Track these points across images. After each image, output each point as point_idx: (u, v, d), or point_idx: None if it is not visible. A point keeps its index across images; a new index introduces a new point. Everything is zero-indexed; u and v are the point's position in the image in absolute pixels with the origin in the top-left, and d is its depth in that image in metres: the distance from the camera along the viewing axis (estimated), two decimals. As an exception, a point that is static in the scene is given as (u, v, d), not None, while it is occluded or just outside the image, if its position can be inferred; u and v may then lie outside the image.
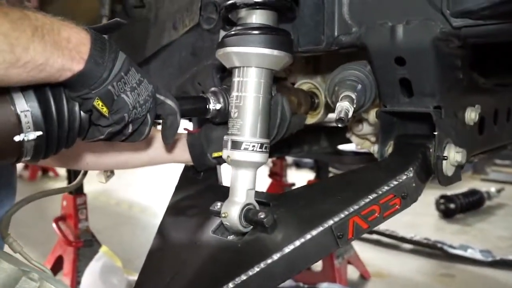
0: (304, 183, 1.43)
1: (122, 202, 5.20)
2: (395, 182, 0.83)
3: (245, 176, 0.90)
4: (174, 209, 1.12)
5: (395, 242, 3.76)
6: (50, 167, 5.87)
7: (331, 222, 0.81)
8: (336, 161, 1.89)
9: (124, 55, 0.73)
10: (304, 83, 1.30)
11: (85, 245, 2.71)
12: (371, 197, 0.82)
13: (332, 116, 1.15)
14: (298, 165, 6.13)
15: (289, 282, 2.80)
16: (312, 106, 1.26)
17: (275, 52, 0.88)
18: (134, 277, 2.63)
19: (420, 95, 0.89)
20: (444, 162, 0.89)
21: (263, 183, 3.59)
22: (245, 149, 0.89)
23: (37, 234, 3.78)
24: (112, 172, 1.18)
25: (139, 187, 5.74)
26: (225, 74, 1.14)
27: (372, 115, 1.12)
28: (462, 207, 4.48)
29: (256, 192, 0.92)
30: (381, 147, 0.97)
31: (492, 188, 4.98)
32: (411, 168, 0.85)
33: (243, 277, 0.79)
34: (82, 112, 0.73)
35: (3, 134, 0.64)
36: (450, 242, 3.63)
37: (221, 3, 1.06)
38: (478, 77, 1.05)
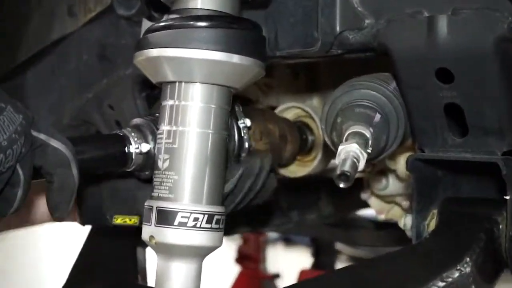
0: (295, 273, 1.44)
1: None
2: (441, 284, 0.83)
3: (181, 272, 0.90)
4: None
5: None
6: None
7: None
8: (345, 239, 1.89)
9: None
10: (289, 109, 1.31)
11: None
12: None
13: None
14: (287, 240, 6.12)
15: None
16: (303, 147, 1.27)
17: (235, 58, 0.88)
18: None
19: (479, 132, 0.90)
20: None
21: (228, 272, 3.57)
22: (182, 224, 0.88)
23: None
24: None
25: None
26: (156, 92, 1.15)
27: (402, 165, 1.13)
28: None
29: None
30: (416, 220, 0.96)
31: None
32: (468, 259, 0.84)
33: None
34: None
35: None
36: None
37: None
38: None
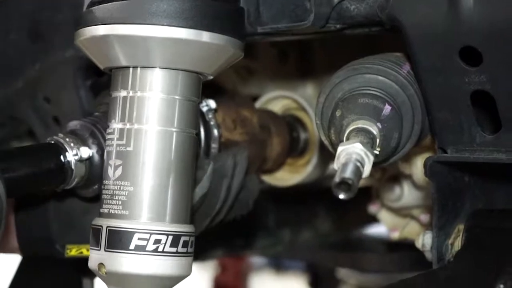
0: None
1: None
2: (469, 320, 0.84)
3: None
4: None
5: None
6: None
7: None
8: (349, 263, 1.90)
9: None
10: (276, 99, 1.33)
11: None
12: None
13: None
14: (277, 266, 6.14)
15: None
16: (295, 147, 1.29)
17: (205, 36, 0.89)
18: None
19: None
20: None
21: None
22: (139, 248, 0.89)
23: None
24: None
25: None
26: (104, 79, 1.16)
27: (419, 169, 1.14)
28: None
29: None
30: (438, 238, 0.97)
31: None
32: (502, 286, 0.85)
33: None
34: None
35: None
36: None
37: None
38: None
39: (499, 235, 0.94)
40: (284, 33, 1.02)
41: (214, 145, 1.09)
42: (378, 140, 0.90)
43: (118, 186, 0.90)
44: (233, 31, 0.91)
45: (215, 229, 1.11)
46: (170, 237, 0.89)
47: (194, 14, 0.88)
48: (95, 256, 0.91)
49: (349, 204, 1.63)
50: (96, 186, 0.99)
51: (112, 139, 0.92)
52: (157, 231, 0.89)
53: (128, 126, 0.91)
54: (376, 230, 1.78)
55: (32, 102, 1.23)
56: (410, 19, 0.90)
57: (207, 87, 1.02)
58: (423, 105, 0.95)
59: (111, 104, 0.93)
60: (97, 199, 0.98)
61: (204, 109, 1.10)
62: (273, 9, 1.00)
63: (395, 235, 1.37)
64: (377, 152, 0.89)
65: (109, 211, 0.90)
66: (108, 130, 0.93)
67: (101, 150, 0.99)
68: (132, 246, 0.88)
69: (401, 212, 1.33)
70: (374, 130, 0.90)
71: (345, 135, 0.90)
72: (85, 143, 0.97)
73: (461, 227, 0.97)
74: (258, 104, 1.33)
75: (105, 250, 0.89)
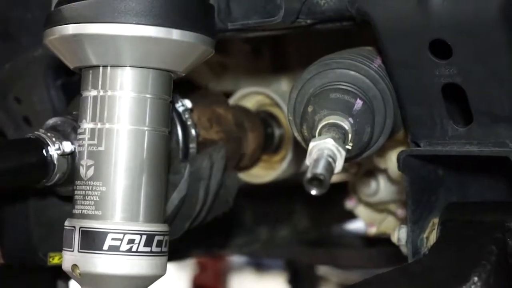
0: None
1: None
2: (442, 311, 0.84)
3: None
4: None
5: None
6: None
7: None
8: (328, 260, 1.89)
9: None
10: (250, 95, 1.34)
11: None
12: None
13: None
14: (258, 265, 6.11)
15: None
16: (269, 144, 1.30)
17: (175, 33, 0.90)
18: None
19: (486, 118, 0.91)
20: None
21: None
22: (113, 248, 0.89)
23: None
24: None
25: None
26: (75, 79, 1.13)
27: (394, 163, 1.11)
28: None
29: None
30: (413, 232, 0.98)
31: None
32: (476, 278, 0.85)
33: None
34: None
35: None
36: None
37: None
38: None
39: (473, 228, 0.94)
40: (255, 29, 1.03)
41: (192, 145, 1.09)
42: (350, 135, 0.90)
43: (90, 187, 0.90)
44: (203, 28, 0.91)
45: (193, 228, 1.12)
46: (144, 237, 0.90)
47: (163, 11, 0.88)
48: (69, 258, 0.91)
49: (326, 200, 1.65)
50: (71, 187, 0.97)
51: (83, 139, 0.92)
52: (131, 231, 0.89)
53: (99, 125, 0.91)
54: (354, 225, 1.78)
55: (2, 103, 1.22)
56: (380, 13, 0.90)
57: (180, 84, 1.03)
58: (395, 99, 0.96)
59: (81, 103, 0.93)
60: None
61: (180, 109, 1.10)
62: (243, 5, 1.00)
63: (373, 231, 1.37)
64: (349, 147, 0.89)
65: (81, 211, 0.91)
66: (79, 130, 0.93)
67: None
68: (105, 247, 0.88)
69: (378, 207, 1.33)
70: (346, 125, 0.90)
71: (317, 130, 0.90)
72: (67, 138, 0.97)
73: (436, 220, 0.98)
74: (232, 100, 1.33)
75: (78, 251, 0.89)
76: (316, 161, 0.82)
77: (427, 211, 0.98)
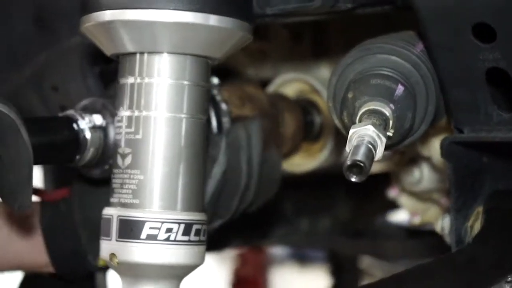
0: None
1: None
2: (487, 303, 0.85)
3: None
4: None
5: None
6: None
7: None
8: (371, 251, 1.89)
9: None
10: (289, 82, 1.34)
11: None
12: None
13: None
14: (300, 258, 6.10)
15: None
16: (309, 132, 1.30)
17: (213, 19, 0.90)
18: None
19: None
20: None
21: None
22: (151, 237, 0.90)
23: None
24: None
25: None
26: (113, 66, 1.15)
27: (437, 150, 1.10)
28: None
29: None
30: (456, 221, 0.97)
31: None
32: None
33: None
34: None
35: None
36: None
37: None
38: None
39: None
40: (294, 14, 1.02)
41: (225, 119, 1.09)
42: (391, 122, 0.90)
43: (128, 175, 0.91)
44: (241, 13, 0.91)
45: (246, 212, 1.12)
46: (182, 226, 0.90)
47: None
48: (107, 247, 0.92)
49: (368, 190, 1.64)
50: (107, 166, 0.99)
51: (120, 127, 0.93)
52: (169, 220, 0.90)
53: (136, 113, 0.92)
54: (397, 216, 1.77)
55: (39, 92, 1.23)
56: (421, -4, 0.90)
57: (218, 72, 1.04)
58: (437, 84, 0.95)
59: (118, 91, 0.94)
60: (106, 182, 0.98)
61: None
62: (280, -11, 1.00)
63: (417, 220, 1.36)
64: (390, 134, 0.89)
65: (119, 200, 0.92)
66: (117, 118, 0.94)
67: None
68: (143, 236, 0.89)
69: (422, 196, 1.32)
70: (387, 112, 0.90)
71: (358, 117, 0.90)
72: (97, 112, 0.98)
73: (480, 209, 0.98)
74: (271, 87, 1.33)
75: (116, 240, 0.91)
76: (356, 147, 0.83)
77: (471, 199, 0.98)
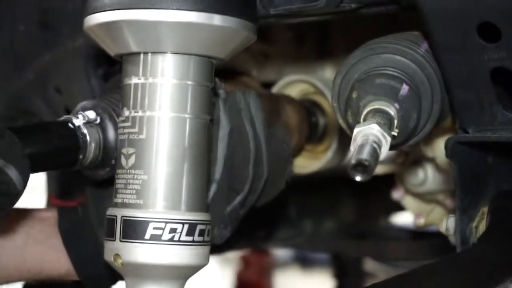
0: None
1: None
2: (493, 303, 0.84)
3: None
4: None
5: None
6: None
7: None
8: (375, 253, 1.88)
9: None
10: (293, 84, 1.34)
11: None
12: None
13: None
14: (304, 261, 6.10)
15: None
16: (314, 133, 1.30)
17: (217, 19, 0.90)
18: None
19: None
20: None
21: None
22: (155, 237, 0.90)
23: None
24: None
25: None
26: (116, 68, 1.16)
27: (442, 151, 1.10)
28: None
29: None
30: (461, 222, 0.97)
31: None
32: None
33: None
34: None
35: None
36: None
37: None
38: None
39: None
40: (298, 15, 1.03)
41: (221, 91, 1.05)
42: (395, 121, 0.90)
43: (132, 175, 0.91)
44: (245, 13, 0.91)
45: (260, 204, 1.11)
46: (186, 226, 0.90)
47: (203, -8, 0.88)
48: (111, 247, 0.91)
49: (372, 192, 1.64)
50: (111, 166, 0.98)
51: (124, 127, 0.92)
52: (173, 220, 0.90)
53: (140, 113, 0.91)
54: (401, 217, 1.76)
55: (43, 94, 1.24)
56: (426, -4, 0.90)
57: (222, 72, 1.03)
58: (442, 84, 0.95)
59: (122, 91, 0.94)
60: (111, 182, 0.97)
61: None
62: (284, -11, 0.99)
63: (421, 222, 1.36)
64: (395, 134, 0.90)
65: (123, 200, 0.91)
66: (121, 118, 0.93)
67: (110, 116, 0.98)
68: (147, 236, 0.89)
69: (426, 197, 1.32)
70: (392, 111, 0.90)
71: (362, 116, 0.91)
72: (89, 109, 0.97)
73: (485, 209, 0.98)
74: (275, 89, 1.33)
75: (120, 241, 0.90)
76: (361, 146, 0.83)
77: (476, 200, 0.98)
